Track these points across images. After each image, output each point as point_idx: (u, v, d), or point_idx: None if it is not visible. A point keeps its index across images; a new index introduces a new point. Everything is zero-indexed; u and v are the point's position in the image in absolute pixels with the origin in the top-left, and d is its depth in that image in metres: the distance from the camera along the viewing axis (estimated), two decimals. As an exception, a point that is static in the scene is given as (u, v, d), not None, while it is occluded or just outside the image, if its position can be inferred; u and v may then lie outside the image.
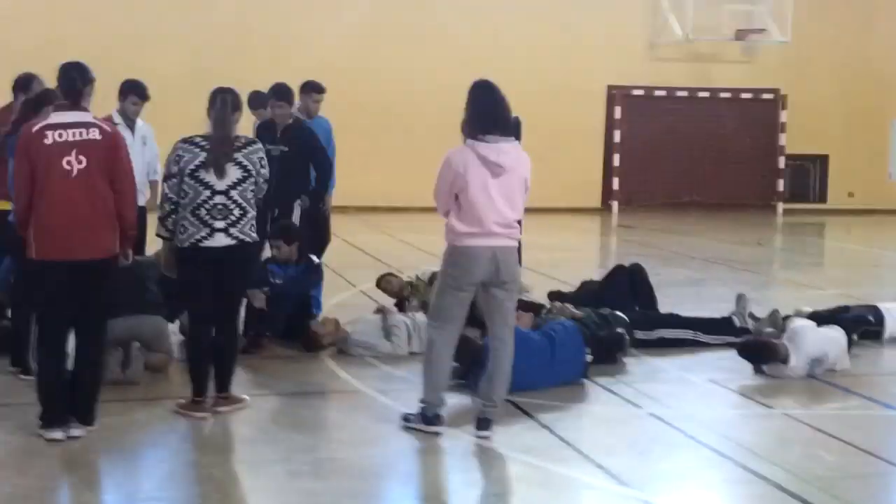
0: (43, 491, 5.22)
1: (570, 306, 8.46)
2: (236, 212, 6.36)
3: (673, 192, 22.33)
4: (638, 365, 8.01)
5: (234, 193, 6.35)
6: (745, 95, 22.47)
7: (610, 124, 22.01)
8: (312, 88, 9.80)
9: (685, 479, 5.68)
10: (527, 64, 20.64)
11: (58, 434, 5.85)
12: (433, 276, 8.16)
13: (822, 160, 23.33)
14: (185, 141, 6.43)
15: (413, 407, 6.26)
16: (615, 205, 21.92)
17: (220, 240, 6.33)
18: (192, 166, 6.32)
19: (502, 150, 5.97)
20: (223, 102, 6.41)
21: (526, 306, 8.57)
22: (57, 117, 5.92)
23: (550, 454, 5.90)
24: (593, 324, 8.10)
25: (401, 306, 9.17)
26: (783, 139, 22.64)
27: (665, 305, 9.39)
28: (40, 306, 6.03)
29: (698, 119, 22.31)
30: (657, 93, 22.10)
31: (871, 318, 8.89)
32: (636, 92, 21.99)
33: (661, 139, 22.16)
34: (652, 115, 22.11)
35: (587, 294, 9.35)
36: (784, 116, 22.51)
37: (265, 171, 6.52)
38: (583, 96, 21.55)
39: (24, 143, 5.87)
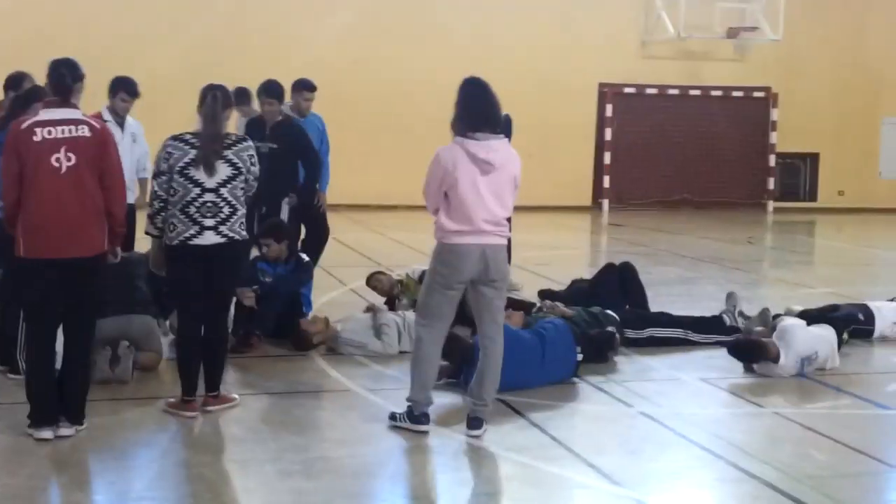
0: (33, 490, 5.20)
1: (560, 305, 8.46)
2: (226, 209, 6.33)
3: (664, 190, 22.35)
4: (629, 364, 8.01)
5: (223, 191, 6.33)
6: (736, 93, 22.49)
7: (601, 122, 22.01)
8: (304, 87, 9.78)
9: (676, 478, 5.68)
10: (519, 61, 20.64)
11: (47, 433, 5.82)
12: (423, 275, 8.15)
13: (813, 158, 23.38)
14: (174, 138, 6.40)
15: (403, 406, 6.24)
16: (606, 203, 21.93)
17: (210, 238, 6.30)
18: (181, 164, 6.29)
19: (492, 147, 5.96)
20: (214, 99, 6.37)
21: (516, 305, 8.57)
22: (46, 114, 5.88)
23: (541, 453, 5.90)
24: (584, 322, 8.10)
25: (391, 305, 9.16)
26: (774, 137, 22.68)
27: (656, 304, 9.40)
28: (29, 305, 6.00)
29: (690, 117, 22.34)
30: (649, 91, 22.11)
31: (861, 316, 8.90)
32: (628, 90, 21.99)
33: (653, 137, 22.18)
34: (643, 113, 22.13)
35: (578, 293, 9.35)
36: (775, 115, 22.55)
37: (255, 169, 6.50)
38: (574, 94, 21.56)
39: (12, 140, 5.83)
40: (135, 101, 8.95)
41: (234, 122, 9.20)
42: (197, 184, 6.29)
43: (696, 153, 22.46)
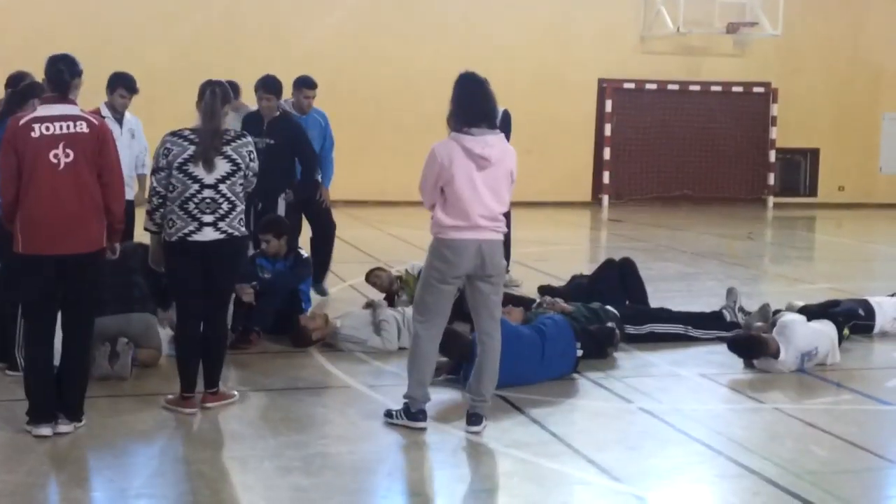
0: (31, 487, 5.18)
1: (560, 301, 8.45)
2: (225, 206, 6.32)
3: (664, 185, 22.34)
4: (628, 359, 8.00)
5: (222, 187, 6.31)
6: (736, 89, 22.47)
7: (601, 118, 21.98)
8: (304, 84, 9.77)
9: (676, 474, 5.66)
10: (518, 57, 20.64)
11: (45, 430, 5.81)
12: (423, 271, 8.14)
13: (813, 154, 23.36)
14: (173, 134, 6.39)
15: (402, 402, 6.23)
16: (605, 198, 21.90)
17: (209, 234, 6.29)
18: (180, 160, 6.28)
19: (488, 142, 5.94)
20: (213, 95, 6.35)
21: (516, 301, 8.57)
22: (44, 110, 5.87)
23: (541, 449, 5.89)
24: (583, 318, 8.09)
25: (390, 301, 9.15)
26: (774, 133, 22.65)
27: (655, 300, 9.40)
28: (27, 301, 5.98)
29: (689, 113, 22.32)
30: (648, 86, 22.07)
31: (861, 312, 8.89)
32: (627, 85, 21.96)
33: (652, 133, 22.16)
34: (643, 109, 22.10)
35: (577, 288, 9.35)
36: (775, 110, 22.52)
37: (254, 165, 6.49)
38: (574, 89, 21.54)
39: (10, 136, 5.81)
40: (133, 97, 8.93)
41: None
42: (196, 180, 6.27)
43: (695, 149, 22.45)
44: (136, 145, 9.19)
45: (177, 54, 18.76)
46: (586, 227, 19.68)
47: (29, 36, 17.82)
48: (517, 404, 6.68)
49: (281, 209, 9.02)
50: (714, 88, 22.36)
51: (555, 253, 14.14)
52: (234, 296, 7.34)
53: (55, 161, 5.75)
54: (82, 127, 5.83)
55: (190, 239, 6.27)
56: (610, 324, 8.14)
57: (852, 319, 8.66)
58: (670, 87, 22.18)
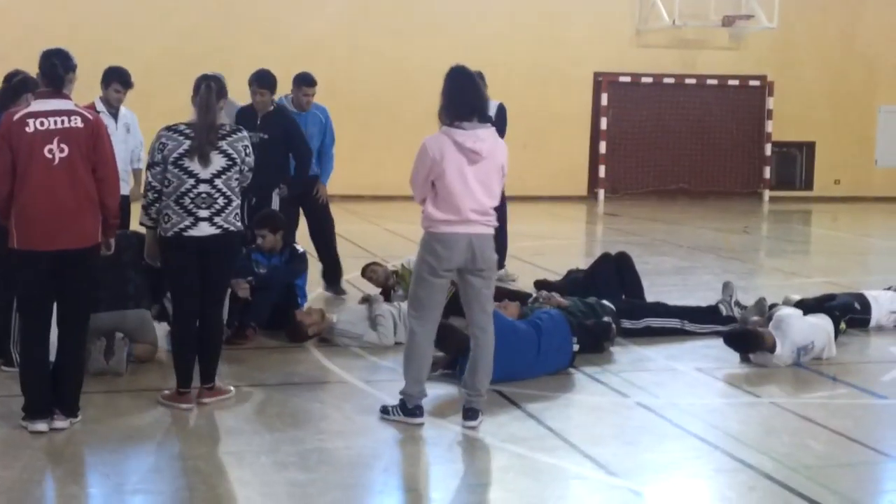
0: (27, 483, 5.17)
1: (556, 295, 8.44)
2: (221, 201, 6.31)
3: (660, 179, 22.35)
4: (625, 354, 8.00)
5: (218, 182, 6.30)
6: (732, 82, 22.46)
7: (596, 111, 21.97)
8: (303, 82, 9.72)
9: (673, 468, 5.67)
10: (514, 50, 20.63)
11: (41, 426, 5.81)
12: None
13: (809, 147, 23.37)
14: (168, 129, 6.37)
15: (398, 398, 6.22)
16: (601, 192, 21.91)
17: (205, 229, 6.27)
18: (175, 154, 6.26)
19: (479, 136, 5.93)
20: (208, 89, 6.33)
21: (512, 296, 8.56)
22: (38, 105, 5.85)
23: (538, 444, 5.89)
24: (580, 313, 8.09)
25: (386, 295, 9.14)
26: (770, 126, 22.66)
27: (652, 294, 9.39)
28: (23, 296, 5.97)
29: (685, 106, 22.32)
30: (644, 80, 22.07)
31: (857, 305, 8.89)
32: (623, 79, 21.95)
33: (648, 126, 22.16)
34: (639, 102, 22.10)
35: (573, 283, 9.34)
36: (771, 103, 22.53)
37: (250, 160, 6.47)
38: (569, 83, 21.53)
39: (4, 131, 5.79)
40: (128, 91, 8.91)
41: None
42: (191, 175, 6.26)
43: (691, 142, 22.45)
44: (132, 140, 9.16)
45: (172, 48, 18.72)
46: (582, 221, 19.68)
47: (22, 30, 17.78)
48: (513, 399, 6.68)
49: (275, 204, 9.00)
50: (710, 82, 22.36)
51: (551, 247, 14.14)
52: (229, 291, 7.33)
53: (50, 156, 5.74)
54: (77, 122, 5.81)
55: (186, 234, 6.26)
56: (606, 318, 8.13)
57: (848, 313, 8.66)
58: (666, 80, 22.18)
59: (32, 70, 6.60)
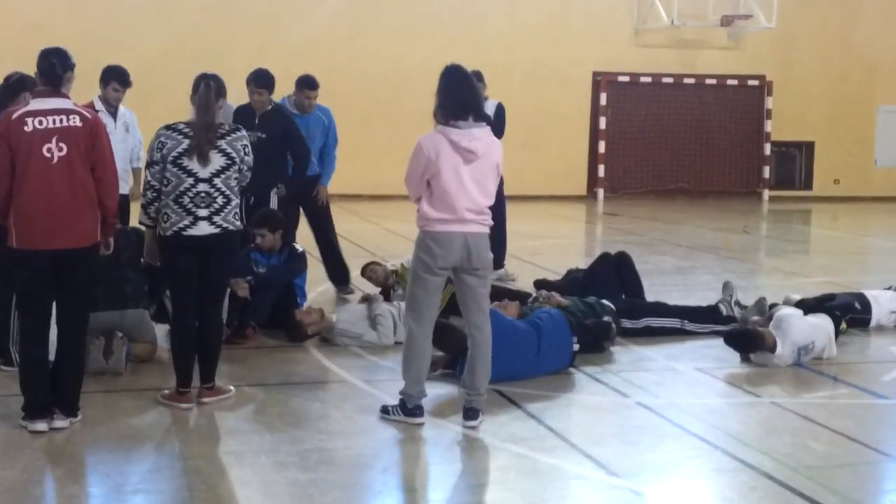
0: (27, 483, 5.16)
1: (556, 295, 8.43)
2: (220, 200, 6.29)
3: (659, 179, 22.34)
4: (625, 353, 7.99)
5: (217, 181, 6.29)
6: (730, 82, 22.46)
7: (595, 111, 21.97)
8: (305, 85, 9.70)
9: (673, 468, 5.66)
10: (512, 50, 20.62)
11: (41, 426, 5.80)
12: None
13: (808, 147, 23.37)
14: (167, 128, 6.36)
15: (398, 397, 6.21)
16: (601, 192, 21.90)
17: (204, 228, 6.26)
18: (174, 153, 6.25)
19: (474, 135, 5.92)
20: (207, 88, 6.32)
21: (512, 295, 8.55)
22: (37, 104, 5.84)
23: (538, 444, 5.88)
24: (580, 312, 8.08)
25: (386, 295, 9.13)
26: (769, 126, 22.66)
27: (651, 293, 9.39)
28: (22, 296, 5.96)
29: (684, 106, 22.32)
30: (643, 79, 22.07)
31: (857, 305, 8.89)
32: (622, 78, 21.95)
33: (647, 126, 22.16)
34: (638, 102, 22.10)
35: (573, 282, 9.33)
36: (770, 103, 22.52)
37: (249, 159, 6.46)
38: (568, 83, 21.52)
39: (3, 130, 5.78)
40: (126, 90, 8.90)
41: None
42: (190, 174, 6.24)
43: (690, 142, 22.46)
44: (131, 139, 9.16)
45: (171, 48, 18.70)
46: (582, 220, 19.67)
47: (21, 29, 17.76)
48: (513, 399, 6.67)
49: (273, 203, 8.99)
50: (709, 81, 22.36)
51: (550, 247, 14.13)
52: (229, 290, 7.32)
53: (48, 155, 5.73)
54: (75, 121, 5.80)
55: (185, 233, 6.25)
56: (606, 318, 8.13)
57: (849, 313, 8.65)
58: (665, 80, 22.18)
59: (31, 69, 6.58)
